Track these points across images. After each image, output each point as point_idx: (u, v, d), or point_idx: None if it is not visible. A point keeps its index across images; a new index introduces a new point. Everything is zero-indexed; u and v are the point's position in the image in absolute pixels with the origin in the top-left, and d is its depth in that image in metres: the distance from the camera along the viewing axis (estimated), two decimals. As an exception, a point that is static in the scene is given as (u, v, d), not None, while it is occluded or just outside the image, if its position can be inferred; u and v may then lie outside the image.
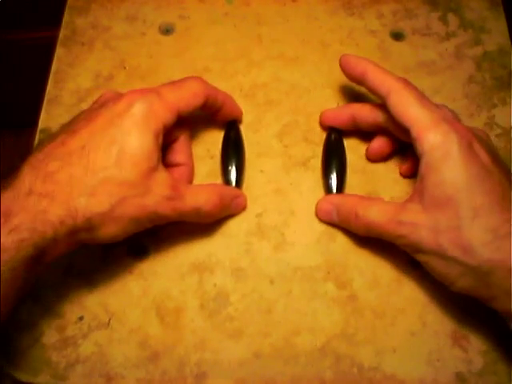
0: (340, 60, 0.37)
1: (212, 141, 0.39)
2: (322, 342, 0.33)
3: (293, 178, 0.38)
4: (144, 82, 0.41)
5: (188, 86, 0.34)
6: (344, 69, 0.37)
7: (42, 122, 0.40)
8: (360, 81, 0.36)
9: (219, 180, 0.38)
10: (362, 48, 0.42)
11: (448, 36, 0.43)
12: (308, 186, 0.37)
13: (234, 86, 0.41)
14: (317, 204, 0.36)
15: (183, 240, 0.35)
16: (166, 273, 0.35)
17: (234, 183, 0.37)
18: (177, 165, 0.36)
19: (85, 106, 0.40)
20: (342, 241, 0.36)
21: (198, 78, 0.35)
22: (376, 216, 0.32)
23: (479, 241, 0.29)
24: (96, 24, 0.44)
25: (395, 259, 0.35)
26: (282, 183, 0.38)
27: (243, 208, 0.36)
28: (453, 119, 0.32)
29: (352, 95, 0.41)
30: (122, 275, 0.35)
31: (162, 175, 0.31)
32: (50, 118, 0.40)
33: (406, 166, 0.37)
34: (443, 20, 0.44)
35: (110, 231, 0.30)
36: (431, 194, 0.31)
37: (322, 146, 0.39)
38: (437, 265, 0.31)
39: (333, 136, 0.38)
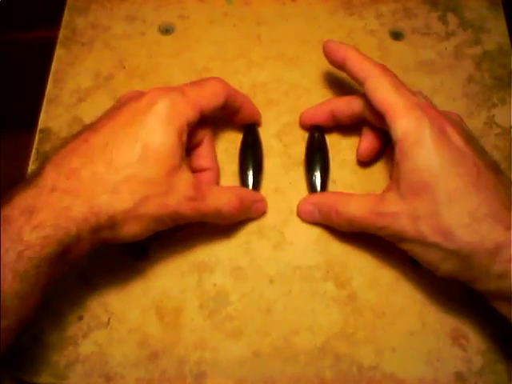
0: (323, 46, 0.37)
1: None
2: (322, 341, 0.33)
3: (292, 178, 0.38)
4: (144, 82, 0.41)
5: (210, 85, 0.34)
6: (326, 55, 0.37)
7: (42, 122, 0.40)
8: (341, 66, 0.36)
9: (220, 178, 0.37)
10: (362, 48, 0.42)
11: (447, 35, 0.43)
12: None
13: (233, 86, 0.41)
14: (298, 206, 0.36)
15: (183, 239, 0.35)
16: (166, 272, 0.35)
17: (250, 186, 0.37)
18: (202, 170, 0.36)
19: (85, 105, 0.40)
20: (341, 240, 0.36)
21: (219, 78, 0.35)
22: (356, 210, 0.33)
23: (457, 224, 0.29)
24: (96, 24, 0.44)
25: (395, 259, 0.35)
26: (281, 182, 0.38)
27: (263, 212, 0.36)
28: (426, 105, 0.32)
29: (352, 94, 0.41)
30: (121, 275, 0.35)
31: (185, 174, 0.31)
32: (49, 117, 0.40)
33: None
34: (443, 20, 0.44)
35: (132, 230, 0.30)
36: (407, 181, 0.31)
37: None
38: (420, 252, 0.31)
39: (316, 135, 0.38)
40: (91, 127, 0.31)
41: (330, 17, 0.44)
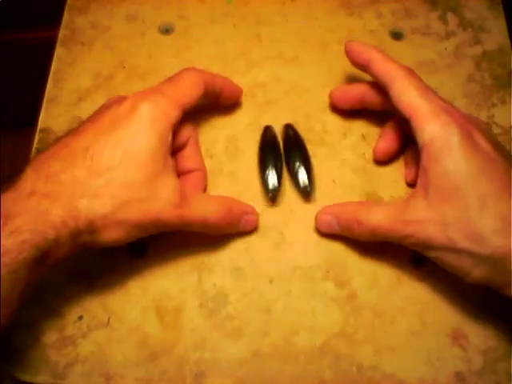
0: (345, 46, 0.36)
1: (211, 140, 0.39)
2: (322, 341, 0.33)
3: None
4: (144, 82, 0.41)
5: (186, 79, 0.34)
6: (349, 55, 0.36)
7: (42, 122, 0.40)
8: (365, 68, 0.35)
9: (219, 178, 0.37)
10: None
11: (447, 35, 0.43)
12: (307, 185, 0.37)
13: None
14: (316, 217, 0.35)
15: (182, 239, 0.35)
16: (166, 272, 0.35)
17: (271, 186, 0.36)
18: (189, 171, 0.35)
19: (85, 105, 0.40)
20: (341, 240, 0.35)
21: (193, 69, 0.35)
22: (380, 219, 0.32)
23: (490, 229, 0.29)
24: (96, 24, 0.44)
25: (395, 258, 0.35)
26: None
27: (254, 227, 0.35)
28: (453, 110, 0.32)
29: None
30: (121, 274, 0.35)
31: (169, 180, 0.31)
32: (49, 117, 0.40)
33: (412, 174, 0.36)
34: (443, 19, 0.44)
35: (112, 235, 0.29)
36: (436, 187, 0.30)
37: (321, 145, 0.39)
38: (449, 259, 0.30)
39: (290, 132, 0.38)
40: (73, 132, 0.31)
41: (329, 17, 0.44)
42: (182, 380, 0.32)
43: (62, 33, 0.43)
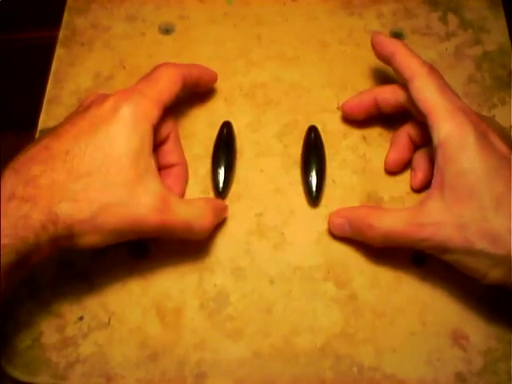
0: (372, 37, 0.37)
1: (212, 140, 0.39)
2: (322, 341, 0.33)
3: (292, 178, 0.38)
4: (144, 82, 0.41)
5: (164, 76, 0.34)
6: (374, 47, 0.37)
7: (42, 123, 0.40)
8: (388, 61, 0.36)
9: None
10: (362, 48, 0.42)
11: (448, 36, 0.43)
12: (308, 185, 0.37)
13: (233, 86, 0.41)
14: (329, 219, 0.35)
15: (183, 240, 0.35)
16: (166, 272, 0.35)
17: (221, 184, 0.36)
18: (170, 166, 0.35)
19: (85, 105, 0.40)
20: (342, 240, 0.35)
21: (168, 64, 0.35)
22: (392, 223, 0.32)
23: (505, 229, 0.29)
24: (96, 24, 0.44)
25: (395, 259, 0.35)
26: (281, 183, 0.38)
27: (224, 219, 0.36)
28: (469, 110, 0.32)
29: (352, 95, 0.40)
30: (121, 275, 0.35)
31: (151, 184, 0.30)
32: (49, 118, 0.40)
33: (418, 179, 0.36)
34: (443, 20, 0.44)
35: (89, 240, 0.29)
36: (452, 187, 0.30)
37: (321, 145, 0.39)
38: (466, 261, 0.30)
39: (312, 135, 0.38)
40: (53, 133, 0.30)
41: (330, 17, 0.44)
42: (183, 380, 0.32)
43: (62, 33, 0.43)
